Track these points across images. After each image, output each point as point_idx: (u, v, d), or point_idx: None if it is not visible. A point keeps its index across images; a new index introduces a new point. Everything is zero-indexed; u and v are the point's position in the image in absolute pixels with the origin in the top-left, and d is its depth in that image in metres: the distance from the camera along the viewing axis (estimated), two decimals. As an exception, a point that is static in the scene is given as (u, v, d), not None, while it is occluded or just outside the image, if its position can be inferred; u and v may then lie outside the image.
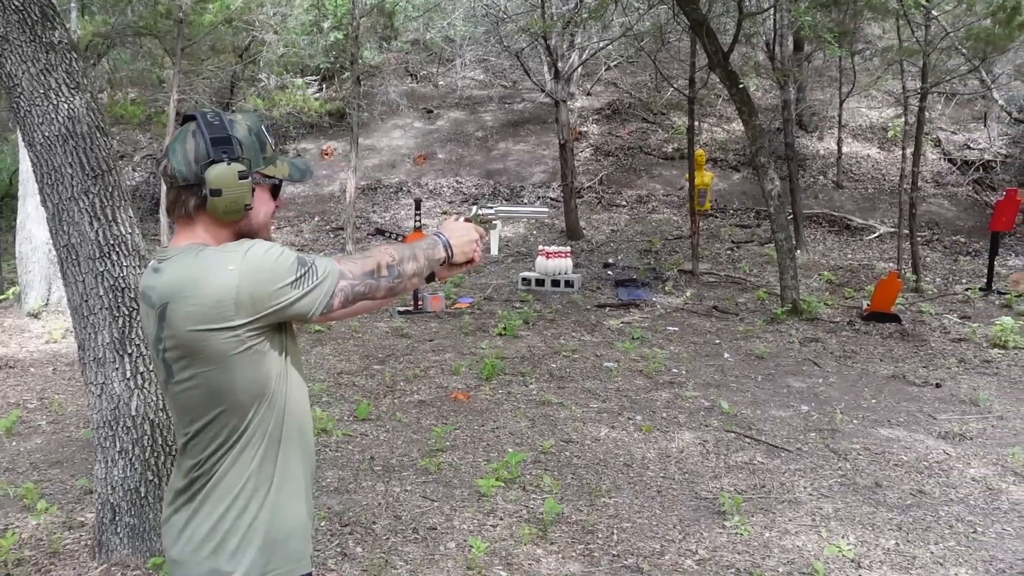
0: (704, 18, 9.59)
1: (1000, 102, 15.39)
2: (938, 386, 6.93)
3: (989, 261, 11.03)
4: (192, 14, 13.22)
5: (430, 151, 18.40)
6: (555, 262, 10.99)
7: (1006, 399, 6.56)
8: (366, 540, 4.00)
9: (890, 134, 17.21)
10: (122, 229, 3.59)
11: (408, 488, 4.65)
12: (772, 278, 10.88)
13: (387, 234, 10.03)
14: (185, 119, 1.74)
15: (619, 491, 4.65)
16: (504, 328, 8.61)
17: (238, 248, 1.63)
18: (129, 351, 3.59)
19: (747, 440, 5.52)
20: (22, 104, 3.47)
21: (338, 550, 3.89)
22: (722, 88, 11.53)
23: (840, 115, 16.37)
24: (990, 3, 10.21)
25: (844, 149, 16.66)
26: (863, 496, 4.61)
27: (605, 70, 19.55)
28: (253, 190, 1.72)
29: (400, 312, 9.47)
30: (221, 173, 1.65)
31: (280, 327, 1.70)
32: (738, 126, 14.71)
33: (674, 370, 7.30)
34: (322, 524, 4.13)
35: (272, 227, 1.87)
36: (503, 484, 4.62)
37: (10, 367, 7.55)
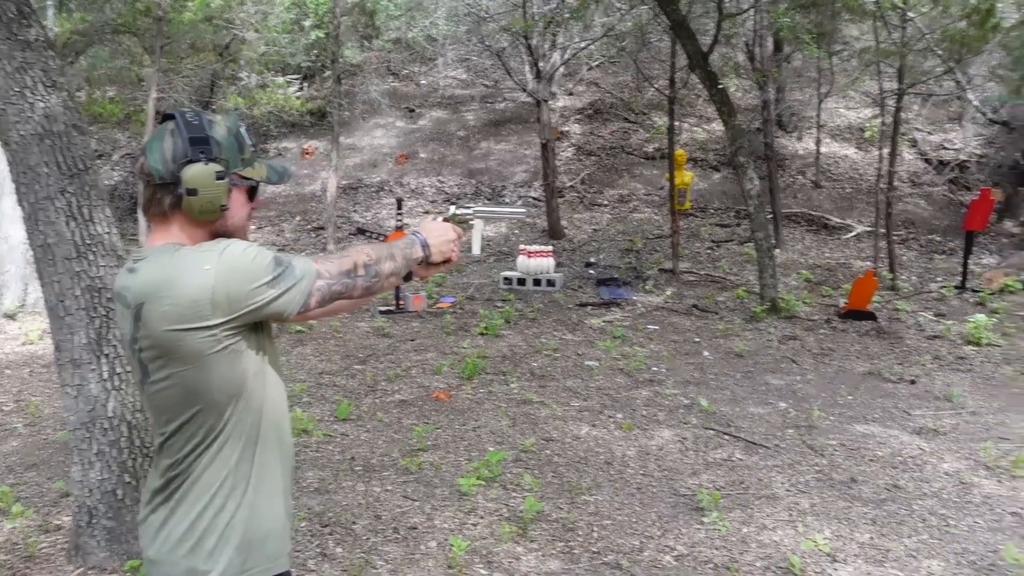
0: (684, 19, 9.65)
1: (975, 103, 15.59)
2: (913, 382, 7.02)
3: (963, 260, 11.16)
4: (171, 12, 13.12)
5: (412, 150, 18.38)
6: (537, 261, 11.02)
7: (979, 395, 6.66)
8: (346, 540, 4.01)
9: (867, 134, 17.36)
10: (99, 229, 3.58)
11: (389, 488, 4.66)
12: (751, 277, 10.95)
13: (368, 233, 10.03)
14: (164, 117, 1.74)
15: (599, 489, 4.69)
16: (486, 327, 8.63)
17: (214, 247, 1.64)
18: (106, 352, 3.58)
19: (726, 437, 5.57)
20: (-3, 103, 3.46)
21: (318, 550, 3.90)
22: (702, 88, 11.59)
23: (819, 115, 16.50)
24: (965, 5, 10.33)
25: (822, 149, 16.79)
26: (839, 491, 4.67)
27: (587, 70, 19.57)
28: (230, 191, 1.73)
29: (382, 312, 9.46)
30: (198, 173, 1.66)
31: (257, 326, 1.71)
32: (718, 126, 14.79)
33: (654, 368, 7.34)
34: (302, 524, 4.14)
35: (252, 227, 1.88)
36: (484, 483, 4.64)
37: (-13, 368, 7.50)
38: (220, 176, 1.69)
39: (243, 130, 1.79)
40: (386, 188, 16.99)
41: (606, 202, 16.22)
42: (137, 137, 16.80)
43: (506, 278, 11.14)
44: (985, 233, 13.45)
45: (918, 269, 12.42)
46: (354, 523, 4.19)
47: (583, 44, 15.45)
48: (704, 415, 6.01)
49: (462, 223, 2.23)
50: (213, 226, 1.74)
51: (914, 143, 17.17)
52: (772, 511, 4.38)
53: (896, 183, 12.82)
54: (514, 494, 4.56)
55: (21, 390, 6.86)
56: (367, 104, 18.60)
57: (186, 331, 1.59)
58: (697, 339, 8.51)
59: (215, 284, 1.59)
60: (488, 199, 16.20)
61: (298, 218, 15.77)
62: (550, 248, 11.54)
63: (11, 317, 9.17)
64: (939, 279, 11.67)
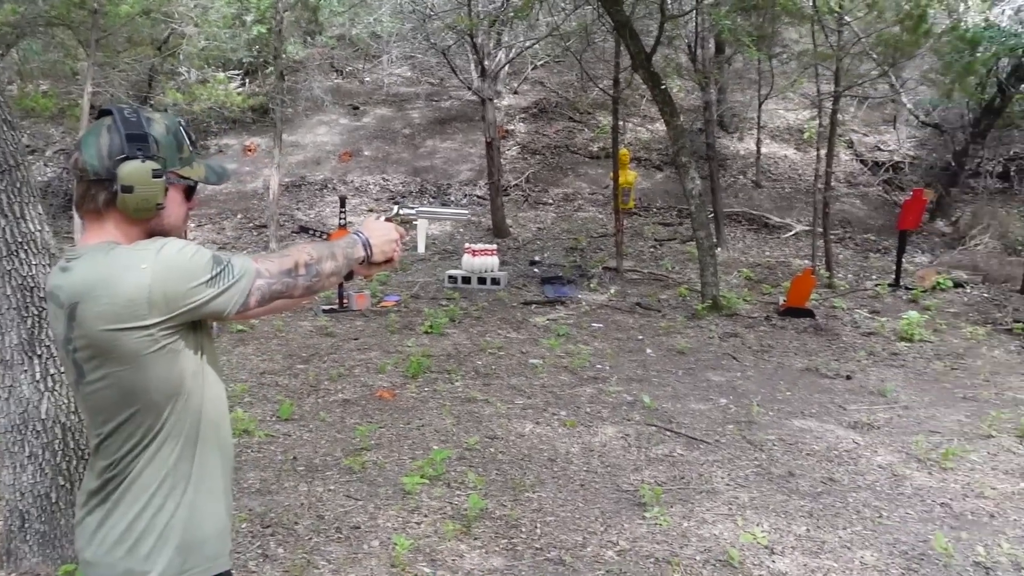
0: (628, 20, 9.74)
1: (908, 106, 16.03)
2: (849, 378, 7.20)
3: (897, 258, 11.49)
4: (107, 4, 12.79)
5: (356, 148, 18.24)
6: (481, 260, 11.03)
7: (911, 390, 6.86)
8: (288, 541, 3.97)
9: (806, 135, 17.74)
10: (31, 226, 3.49)
11: (331, 488, 4.63)
12: (693, 275, 11.11)
13: (311, 232, 9.92)
14: (101, 113, 1.72)
15: (543, 486, 4.71)
16: (430, 326, 8.61)
17: (151, 246, 1.62)
18: (39, 352, 3.49)
19: (668, 433, 5.65)
20: (-77, 96, 3.34)
21: (259, 551, 3.86)
22: (646, 89, 11.72)
23: (759, 117, 16.81)
24: (898, 11, 10.62)
25: (763, 150, 17.11)
26: (777, 485, 4.77)
27: (532, 69, 19.65)
28: (166, 190, 1.71)
29: (325, 311, 9.38)
30: (134, 170, 1.64)
31: (195, 326, 1.70)
32: (661, 126, 14.95)
33: (598, 366, 7.41)
34: (243, 526, 4.09)
35: (191, 225, 1.86)
36: (428, 481, 4.63)
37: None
38: (157, 174, 1.67)
39: (183, 129, 1.78)
40: (330, 186, 16.84)
41: (551, 201, 16.31)
42: (71, 132, 16.37)
43: (451, 276, 11.13)
44: (918, 232, 13.86)
45: (854, 267, 12.73)
46: (296, 523, 4.15)
47: (528, 43, 15.50)
48: (647, 412, 6.09)
49: (406, 223, 2.23)
50: (149, 225, 1.71)
51: (850, 144, 17.60)
52: (712, 505, 4.46)
53: (833, 183, 13.12)
54: (458, 492, 4.56)
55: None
56: (310, 101, 18.39)
57: (122, 331, 1.57)
58: (640, 337, 8.60)
59: (152, 283, 1.57)
60: (433, 197, 16.16)
61: (239, 216, 15.54)
62: (495, 246, 11.56)
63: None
64: (874, 277, 11.98)
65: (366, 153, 18.11)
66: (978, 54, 12.67)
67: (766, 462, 5.15)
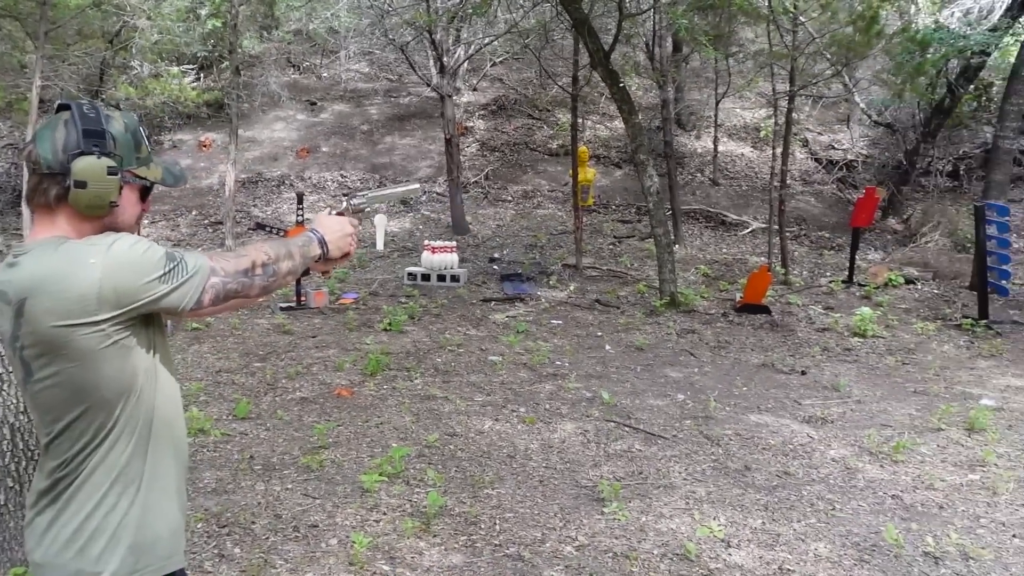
0: (586, 17, 9.78)
1: (861, 105, 16.33)
2: (803, 373, 7.31)
3: (850, 255, 11.69)
4: (57, -4, 12.56)
5: (313, 144, 18.08)
6: (441, 256, 11.00)
7: (864, 384, 6.99)
8: (245, 540, 3.93)
9: (762, 134, 17.97)
10: (-22, 222, 3.41)
11: (289, 486, 4.59)
12: (652, 272, 11.20)
13: (268, 229, 9.81)
14: (59, 107, 1.70)
15: (502, 482, 4.72)
16: (389, 323, 8.57)
17: (102, 241, 1.60)
18: (-14, 351, 3.41)
19: (626, 429, 5.68)
20: None
21: (215, 551, 3.81)
22: (604, 86, 11.78)
23: (716, 115, 17.01)
24: (851, 12, 10.79)
25: (720, 148, 17.31)
26: (733, 479, 4.83)
27: (491, 66, 19.64)
28: (121, 188, 1.68)
29: (282, 308, 9.28)
30: (89, 166, 1.62)
31: (148, 322, 1.68)
32: (620, 124, 15.04)
33: (557, 362, 7.43)
34: (199, 526, 4.03)
35: (145, 221, 1.84)
36: (387, 479, 4.61)
37: None
38: (112, 171, 1.65)
39: (142, 129, 1.76)
40: (287, 182, 16.67)
41: (510, 198, 16.32)
42: (20, 127, 16.00)
43: (410, 273, 11.09)
44: (870, 230, 14.12)
45: (809, 264, 12.93)
46: (253, 523, 4.10)
47: (487, 40, 15.48)
48: (605, 408, 6.12)
49: (358, 213, 2.22)
50: (101, 222, 1.69)
51: (805, 143, 17.88)
52: (670, 500, 4.50)
53: (788, 181, 13.32)
54: (417, 489, 4.55)
55: None
56: (267, 96, 18.20)
57: (72, 327, 1.54)
58: (599, 333, 8.65)
59: (102, 278, 1.55)
60: (381, 186, 16.07)
61: (195, 212, 15.32)
62: (454, 243, 11.54)
63: None
64: (828, 274, 12.18)
65: (324, 149, 17.97)
66: (928, 55, 12.93)
67: (723, 457, 5.21)
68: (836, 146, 17.91)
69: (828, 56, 11.97)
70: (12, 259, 1.63)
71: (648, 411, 6.11)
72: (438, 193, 16.02)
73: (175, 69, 17.38)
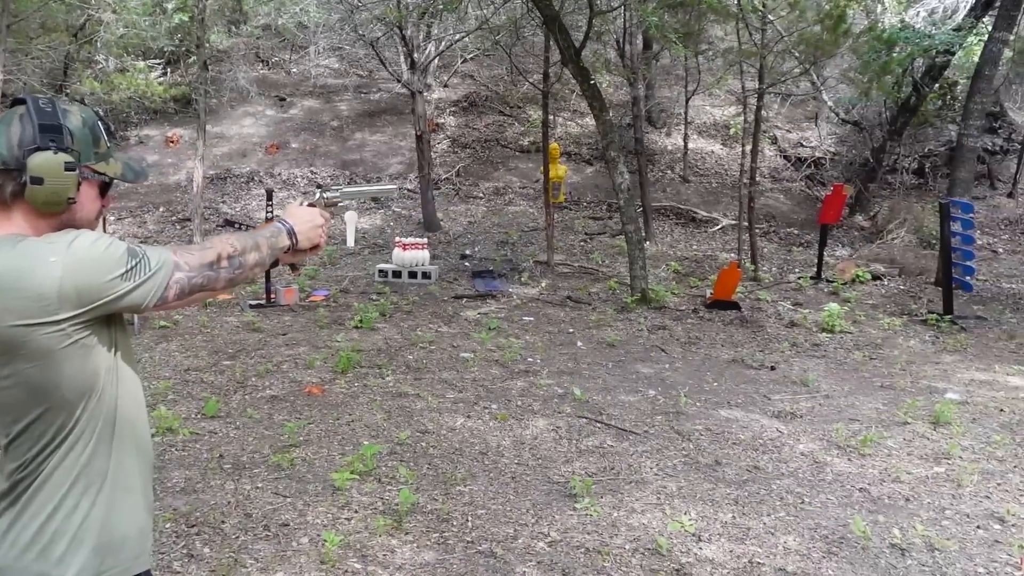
0: (557, 14, 9.79)
1: (829, 103, 16.51)
2: (773, 369, 7.38)
3: (819, 251, 11.82)
4: (19, -12, 12.34)
5: (283, 140, 17.93)
6: (412, 253, 10.95)
7: (832, 379, 7.07)
8: (214, 540, 3.89)
9: (732, 131, 18.11)
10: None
11: (259, 485, 4.55)
12: (623, 268, 11.24)
13: (237, 225, 9.72)
14: (14, 102, 1.66)
15: (474, 479, 4.72)
16: (360, 320, 8.52)
17: (62, 239, 1.56)
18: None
19: (598, 425, 5.70)
20: None
21: (184, 551, 3.77)
22: (575, 83, 11.80)
23: (686, 112, 17.11)
24: (819, 11, 10.90)
25: (690, 145, 17.42)
26: (704, 474, 4.87)
27: (462, 62, 19.59)
28: (79, 184, 1.65)
29: (252, 305, 9.20)
30: (46, 161, 1.58)
31: (109, 321, 1.65)
32: (591, 121, 15.07)
33: (529, 359, 7.44)
34: (167, 526, 3.99)
35: (112, 218, 1.81)
36: (358, 477, 4.59)
37: None
38: (70, 167, 1.61)
39: (100, 124, 1.72)
40: (256, 179, 16.52)
41: (481, 195, 16.31)
42: (-18, 122, 15.68)
43: (381, 270, 11.04)
44: (838, 227, 14.29)
45: (778, 260, 13.05)
46: (223, 522, 4.07)
47: (458, 36, 15.43)
48: (577, 404, 6.14)
49: (330, 206, 2.20)
50: (59, 219, 1.66)
51: (774, 141, 18.04)
52: (641, 495, 4.52)
53: (758, 179, 13.43)
54: (389, 487, 4.53)
55: None
56: (235, 92, 18.01)
57: (32, 326, 1.51)
58: (571, 330, 8.67)
59: (63, 276, 1.51)
60: (357, 183, 15.98)
61: (162, 209, 15.13)
62: (425, 240, 11.50)
63: None
64: (797, 270, 12.30)
65: (293, 145, 17.83)
66: (894, 54, 13.13)
67: (693, 452, 5.24)
68: (804, 143, 18.10)
69: (796, 54, 12.09)
70: None
71: (619, 407, 6.13)
72: (409, 190, 15.96)
73: (141, 64, 17.13)
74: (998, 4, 12.01)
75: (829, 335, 8.64)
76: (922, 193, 16.02)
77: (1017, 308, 10.21)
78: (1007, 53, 13.53)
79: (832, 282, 11.22)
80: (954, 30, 13.50)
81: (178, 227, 14.13)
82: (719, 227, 14.84)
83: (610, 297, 10.26)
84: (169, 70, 19.26)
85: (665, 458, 5.12)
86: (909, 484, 4.77)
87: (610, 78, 17.37)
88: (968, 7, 14.00)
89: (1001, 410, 6.23)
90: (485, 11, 13.69)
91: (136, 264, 1.60)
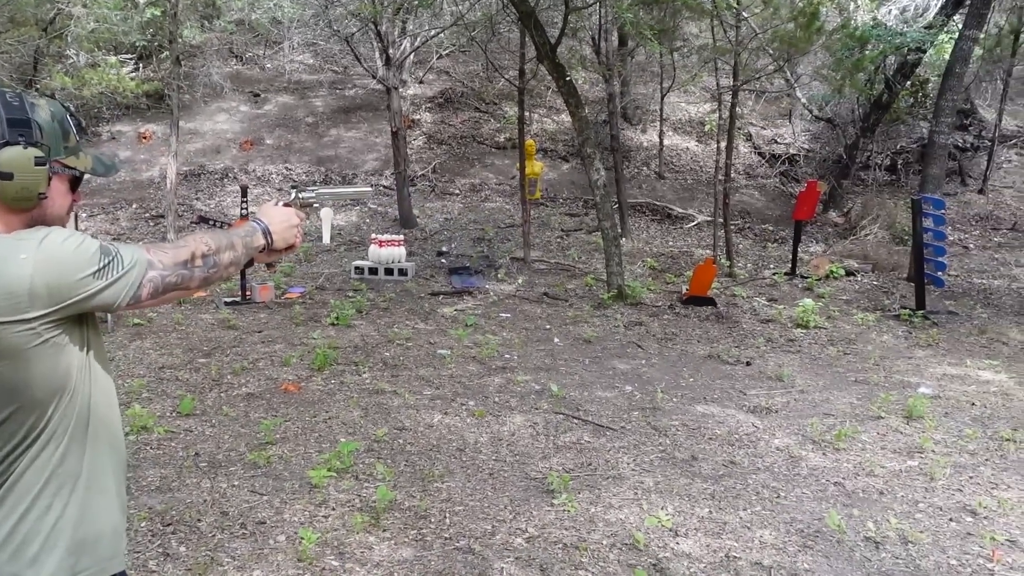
0: (532, 10, 9.78)
1: (803, 100, 16.63)
2: (748, 364, 7.43)
3: (793, 247, 11.91)
4: (-13, -18, 12.15)
5: (257, 136, 17.80)
6: (388, 250, 10.92)
7: (807, 374, 7.13)
8: (190, 539, 3.86)
9: (707, 128, 18.20)
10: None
11: (236, 483, 4.52)
12: (599, 265, 11.27)
13: (211, 222, 9.63)
14: None
15: (452, 476, 4.71)
16: (337, 318, 8.48)
17: (33, 236, 1.54)
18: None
19: (575, 421, 5.72)
20: None
21: (160, 550, 3.73)
22: (551, 80, 11.81)
23: (661, 109, 17.18)
24: (793, 8, 10.98)
25: (665, 142, 17.49)
26: (681, 469, 4.89)
27: (437, 58, 19.56)
28: (50, 179, 1.63)
29: (227, 303, 9.13)
30: (15, 156, 1.56)
31: (81, 319, 1.62)
32: (567, 117, 15.08)
33: (506, 355, 7.44)
34: (142, 525, 3.95)
35: (84, 215, 1.78)
36: (335, 474, 4.57)
37: None
38: (40, 162, 1.59)
39: (69, 116, 1.70)
40: (230, 175, 16.39)
41: (458, 191, 16.28)
42: (-50, 117, 15.42)
43: (357, 267, 10.99)
44: (812, 223, 14.40)
45: (753, 256, 13.14)
46: (199, 521, 4.03)
47: (433, 32, 15.40)
48: (554, 400, 6.15)
49: (306, 207, 2.19)
50: (30, 215, 1.63)
51: (749, 137, 18.15)
52: (619, 490, 4.54)
53: (733, 175, 13.50)
54: (366, 484, 4.52)
55: None
56: (209, 87, 17.85)
57: (1, 325, 1.49)
58: (548, 326, 8.68)
59: (33, 274, 1.49)
60: (334, 184, 15.89)
61: (135, 206, 14.97)
62: (402, 237, 11.47)
63: None
64: (771, 266, 12.39)
65: (268, 142, 17.71)
66: (867, 52, 13.25)
67: (670, 447, 5.27)
68: (779, 140, 18.23)
69: (770, 51, 12.17)
70: None
71: (597, 403, 6.15)
72: (385, 187, 15.90)
73: (113, 59, 16.92)
74: (968, 2, 12.18)
75: (804, 331, 8.71)
76: (894, 190, 16.20)
77: (988, 303, 10.35)
78: (977, 51, 13.72)
79: (806, 278, 11.31)
80: (925, 28, 13.64)
81: (151, 224, 13.99)
82: (694, 223, 14.92)
83: (587, 293, 10.28)
84: (141, 65, 19.06)
85: (642, 454, 5.14)
86: (883, 478, 4.82)
87: (586, 74, 17.42)
88: (939, 5, 14.15)
89: (973, 404, 6.32)
90: (460, 7, 13.67)
91: (109, 262, 1.57)
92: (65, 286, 1.52)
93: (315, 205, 2.27)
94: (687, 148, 18.08)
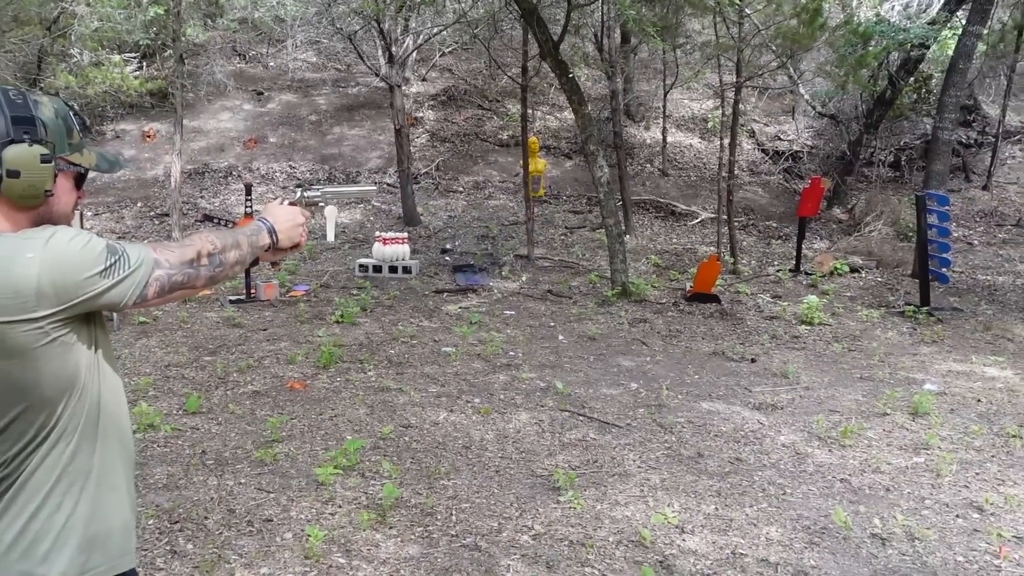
0: (535, 8, 9.77)
1: (806, 97, 16.61)
2: (753, 361, 7.43)
3: (797, 244, 11.90)
4: (-9, -19, 12.16)
5: (261, 134, 17.81)
6: (392, 248, 10.93)
7: (812, 371, 7.13)
8: (198, 536, 3.87)
9: (710, 125, 18.17)
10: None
11: (242, 481, 4.53)
12: (603, 262, 11.26)
13: (216, 220, 9.65)
14: None
15: (458, 473, 4.72)
16: (341, 315, 8.49)
17: (39, 235, 1.54)
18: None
19: (580, 418, 5.72)
20: None
21: (167, 548, 3.75)
22: (554, 77, 11.80)
23: (664, 106, 17.16)
24: (795, 4, 10.95)
25: (669, 139, 17.47)
26: (687, 466, 4.90)
27: (440, 56, 19.55)
28: (55, 176, 1.63)
29: (232, 301, 9.15)
30: (21, 154, 1.56)
31: (89, 318, 1.63)
32: (570, 115, 15.06)
33: (511, 353, 7.44)
34: (150, 522, 3.96)
35: (89, 213, 1.79)
36: (342, 472, 4.58)
37: None
38: (46, 159, 1.59)
39: (72, 114, 1.70)
40: (234, 173, 16.40)
41: (461, 189, 16.28)
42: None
43: (361, 265, 11.00)
44: (816, 219, 14.37)
45: (757, 253, 13.12)
46: (206, 518, 4.04)
47: (436, 30, 15.40)
48: (560, 397, 6.15)
49: (311, 206, 2.19)
50: (36, 212, 1.63)
51: (752, 134, 18.12)
52: (624, 487, 4.54)
53: (736, 172, 13.50)
54: (372, 482, 4.52)
55: None
56: (212, 86, 17.86)
57: (9, 324, 1.49)
58: (552, 323, 8.68)
59: (40, 273, 1.49)
60: (339, 184, 15.89)
61: (139, 204, 14.99)
62: (406, 235, 11.48)
63: None
64: (776, 263, 12.37)
65: (272, 140, 17.71)
66: (870, 48, 13.21)
67: (676, 444, 5.27)
68: (782, 137, 18.20)
69: (773, 48, 12.15)
70: None
71: (602, 400, 6.15)
72: (389, 184, 15.90)
73: (116, 57, 16.93)
74: (972, -2, 12.13)
75: (808, 327, 8.70)
76: (898, 186, 16.16)
77: (992, 299, 10.33)
78: (980, 47, 13.68)
79: (811, 275, 11.30)
80: (928, 24, 13.62)
81: (156, 223, 14.01)
82: (698, 220, 14.90)
83: (591, 291, 10.28)
84: (145, 64, 19.07)
85: (648, 451, 5.15)
86: (889, 474, 4.82)
87: (588, 72, 17.40)
88: (942, 1, 14.12)
89: (978, 400, 6.31)
90: (463, 5, 13.67)
91: (115, 261, 1.58)
92: (72, 285, 1.52)
93: (320, 204, 2.27)
94: (690, 145, 18.05)
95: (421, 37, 15.41)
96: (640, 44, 16.46)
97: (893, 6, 15.07)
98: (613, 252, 9.89)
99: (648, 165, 17.25)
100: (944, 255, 9.64)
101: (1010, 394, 6.50)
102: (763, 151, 17.81)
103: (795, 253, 11.89)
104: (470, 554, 3.77)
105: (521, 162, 12.83)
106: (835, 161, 16.56)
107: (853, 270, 11.64)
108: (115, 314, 7.54)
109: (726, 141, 12.38)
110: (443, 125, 18.34)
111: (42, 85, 15.30)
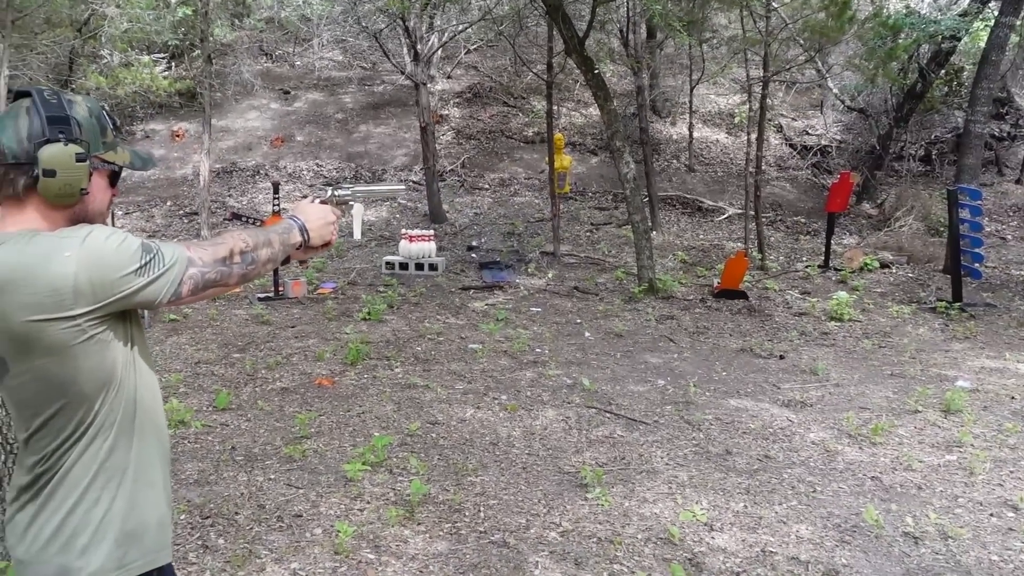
0: (560, 3, 9.75)
1: (834, 91, 16.42)
2: (782, 358, 7.37)
3: (826, 240, 11.78)
4: (23, -16, 12.30)
5: (288, 133, 17.93)
6: (418, 245, 10.97)
7: (841, 368, 7.06)
8: (229, 531, 3.90)
9: (737, 120, 18.03)
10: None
11: (272, 477, 4.57)
12: (629, 258, 11.23)
13: (244, 219, 9.74)
14: (18, 95, 1.64)
15: (485, 469, 4.72)
16: (368, 312, 8.53)
17: (76, 233, 1.56)
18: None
19: (607, 415, 5.70)
20: None
21: (199, 543, 3.78)
22: (579, 73, 11.77)
23: (691, 101, 17.05)
24: (824, -3, 10.83)
25: (695, 134, 17.36)
26: (715, 463, 4.87)
27: (465, 53, 19.56)
28: (91, 174, 1.65)
29: (260, 298, 9.22)
30: (57, 153, 1.58)
31: (125, 315, 1.65)
32: (595, 111, 15.02)
33: (537, 349, 7.44)
34: (182, 517, 4.00)
35: (119, 212, 1.81)
36: (370, 468, 4.60)
37: None
38: (80, 158, 1.61)
39: (105, 113, 1.72)
40: (262, 172, 16.53)
41: (487, 186, 16.29)
42: (-13, 117, 15.68)
43: (388, 263, 11.05)
44: (845, 215, 14.23)
45: (785, 249, 13.01)
46: (236, 514, 4.08)
47: (461, 27, 15.41)
48: (586, 394, 6.14)
49: (341, 204, 2.20)
50: (72, 211, 1.65)
51: (780, 129, 17.96)
52: (652, 485, 4.53)
53: (764, 167, 13.39)
54: (400, 478, 4.54)
55: None
56: (240, 85, 18.01)
57: (47, 321, 1.51)
58: (578, 320, 8.66)
59: (77, 272, 1.51)
60: (368, 182, 15.96)
61: (169, 203, 15.15)
62: (432, 232, 11.51)
63: None
64: (804, 259, 12.26)
65: (298, 138, 17.83)
66: (900, 40, 13.03)
67: (704, 441, 5.24)
68: (810, 131, 18.02)
69: (801, 42, 12.03)
70: None
71: (629, 397, 6.13)
72: (414, 182, 15.95)
73: (146, 58, 17.12)
74: (1005, -11, 11.93)
75: (838, 324, 8.62)
76: (929, 180, 15.96)
77: (1026, 295, 10.18)
78: (1013, 38, 13.45)
79: (840, 270, 11.19)
80: (960, 15, 13.41)
81: (185, 221, 14.15)
82: (725, 216, 14.81)
83: (617, 287, 10.25)
84: (173, 64, 19.25)
85: (676, 448, 5.13)
86: (921, 472, 4.76)
87: (614, 67, 17.33)
88: (974, -8, 13.90)
89: (1012, 398, 6.22)
90: (488, 2, 13.66)
91: (150, 260, 1.59)
92: (108, 283, 1.54)
93: (350, 203, 2.28)
94: (717, 140, 17.94)
95: (446, 35, 15.43)
96: (666, 39, 16.35)
97: (923, -2, 14.88)
98: (640, 248, 9.86)
99: (675, 161, 17.16)
100: (977, 250, 9.50)
101: (1045, 391, 6.40)
102: (791, 146, 17.66)
103: (824, 249, 11.78)
104: (498, 550, 3.78)
105: (547, 159, 12.81)
106: (864, 155, 16.38)
107: (883, 266, 11.51)
108: (146, 312, 7.63)
109: (753, 136, 12.28)
110: (468, 122, 18.36)
111: (73, 86, 15.52)
